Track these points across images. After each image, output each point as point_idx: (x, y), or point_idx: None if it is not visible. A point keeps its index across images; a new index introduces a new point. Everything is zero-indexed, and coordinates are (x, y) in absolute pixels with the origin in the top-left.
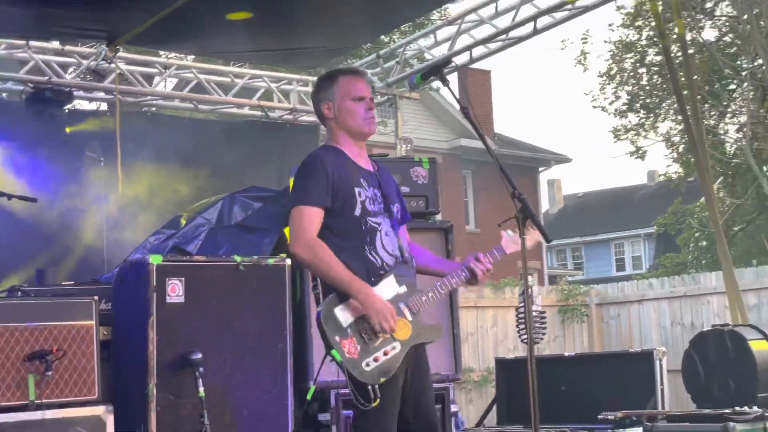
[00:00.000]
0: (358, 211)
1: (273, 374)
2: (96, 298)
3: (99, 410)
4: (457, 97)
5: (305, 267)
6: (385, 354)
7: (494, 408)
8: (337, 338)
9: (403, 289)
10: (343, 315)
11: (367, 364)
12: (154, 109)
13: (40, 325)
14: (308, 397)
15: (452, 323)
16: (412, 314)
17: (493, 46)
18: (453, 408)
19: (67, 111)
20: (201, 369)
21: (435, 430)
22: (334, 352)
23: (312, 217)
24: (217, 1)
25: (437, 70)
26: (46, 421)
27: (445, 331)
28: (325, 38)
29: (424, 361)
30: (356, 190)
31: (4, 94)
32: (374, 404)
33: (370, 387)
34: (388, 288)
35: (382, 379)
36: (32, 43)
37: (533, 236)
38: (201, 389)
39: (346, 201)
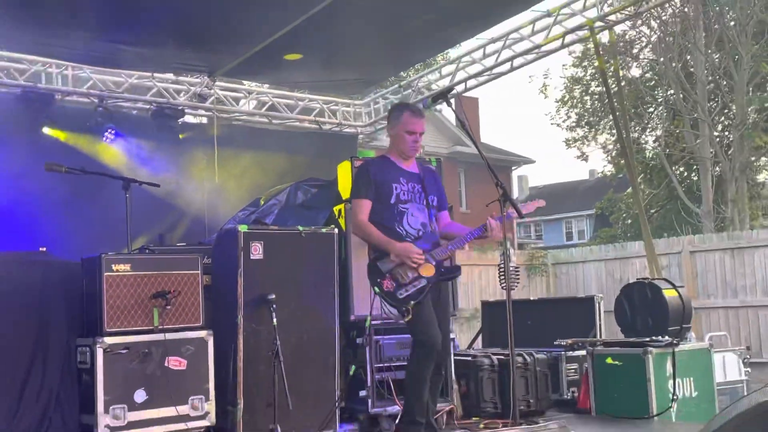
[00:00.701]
0: (393, 200)
1: (324, 310)
2: (201, 254)
3: (202, 333)
4: (457, 114)
5: (359, 238)
6: (414, 287)
7: (479, 337)
8: (378, 280)
9: (427, 246)
10: (382, 266)
11: (400, 294)
12: (240, 122)
13: (162, 273)
14: (367, 324)
15: None
16: (434, 260)
17: (481, 78)
18: (451, 335)
19: (180, 123)
20: (274, 306)
21: (446, 352)
22: (376, 288)
23: (360, 206)
24: (278, 46)
25: (443, 95)
26: (166, 341)
27: None
28: (361, 73)
29: (445, 298)
30: (393, 185)
31: (134, 111)
32: (407, 318)
33: (404, 308)
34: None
35: (412, 303)
36: (156, 74)
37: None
38: (274, 320)
39: (384, 193)
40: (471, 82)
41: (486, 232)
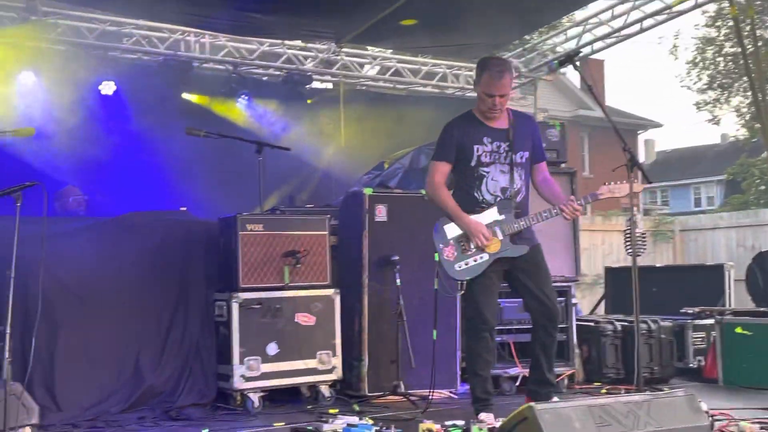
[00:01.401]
0: (473, 163)
1: None
2: (328, 216)
3: (330, 292)
4: (583, 77)
5: (430, 199)
6: (474, 261)
7: (602, 303)
8: (440, 245)
9: (502, 217)
10: (449, 231)
11: (459, 266)
12: (365, 87)
13: (292, 233)
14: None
15: (574, 240)
16: (503, 235)
17: (609, 41)
18: (573, 300)
19: (308, 88)
20: (398, 266)
21: (551, 313)
22: (436, 254)
23: (437, 168)
24: (401, 12)
25: (570, 59)
26: (296, 297)
27: (569, 245)
28: (485, 37)
29: (543, 266)
30: (475, 147)
31: (265, 78)
32: (461, 293)
33: (458, 282)
34: (490, 215)
35: (468, 278)
36: (286, 42)
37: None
38: (398, 280)
39: (465, 155)
40: (598, 45)
41: (563, 211)
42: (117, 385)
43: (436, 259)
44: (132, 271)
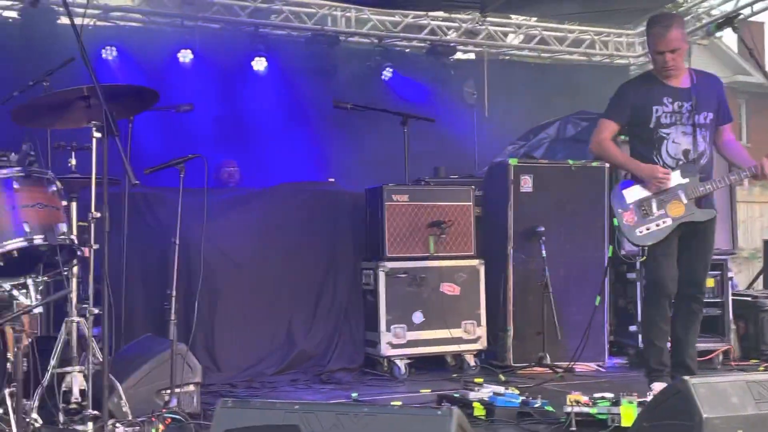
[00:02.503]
0: (652, 124)
1: (594, 242)
2: (473, 187)
3: (474, 262)
4: (743, 41)
5: (596, 157)
6: (657, 225)
7: (760, 277)
8: (619, 210)
9: (686, 180)
10: (628, 195)
11: (641, 231)
12: (509, 57)
13: (437, 204)
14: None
15: (731, 212)
16: (687, 198)
17: None
18: (729, 274)
19: (452, 60)
20: (543, 238)
21: (701, 285)
22: (614, 219)
23: (606, 126)
24: None
25: (729, 21)
26: (440, 267)
27: (725, 217)
28: (634, 2)
29: (712, 237)
30: (654, 108)
31: (408, 50)
32: (642, 259)
33: (639, 247)
34: (673, 179)
35: (650, 243)
36: (429, 13)
37: None
38: (543, 252)
39: (643, 117)
40: (758, 6)
41: (756, 173)
42: (271, 349)
43: (615, 224)
44: (284, 239)
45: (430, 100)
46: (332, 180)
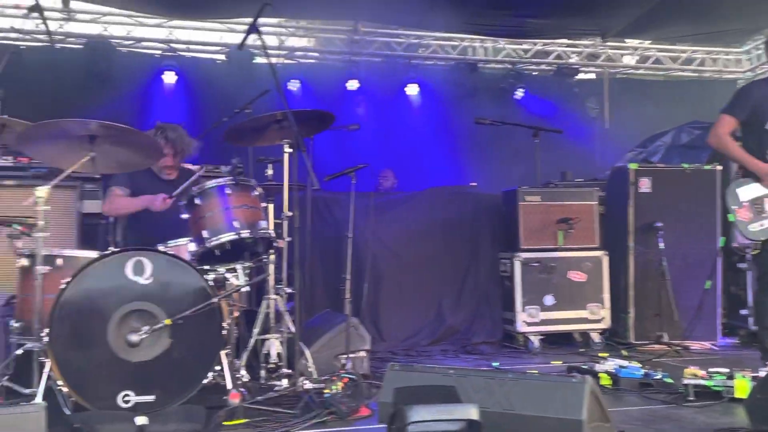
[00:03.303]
0: (767, 125)
1: (706, 235)
2: (597, 188)
3: (599, 253)
4: None
5: (714, 149)
6: None
7: None
8: (733, 207)
9: None
10: (741, 193)
11: (755, 227)
12: (626, 75)
13: (565, 203)
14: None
15: None
16: None
17: None
18: None
19: (575, 80)
20: (661, 232)
21: None
22: (730, 215)
23: (726, 121)
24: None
25: None
26: (568, 257)
27: None
28: (743, 23)
29: None
30: None
31: (534, 72)
32: (754, 252)
33: (753, 241)
34: None
35: (763, 238)
36: (555, 40)
37: None
38: (661, 244)
39: (760, 116)
40: None
41: None
42: (424, 323)
43: (731, 219)
44: (435, 233)
45: (557, 115)
46: (474, 184)
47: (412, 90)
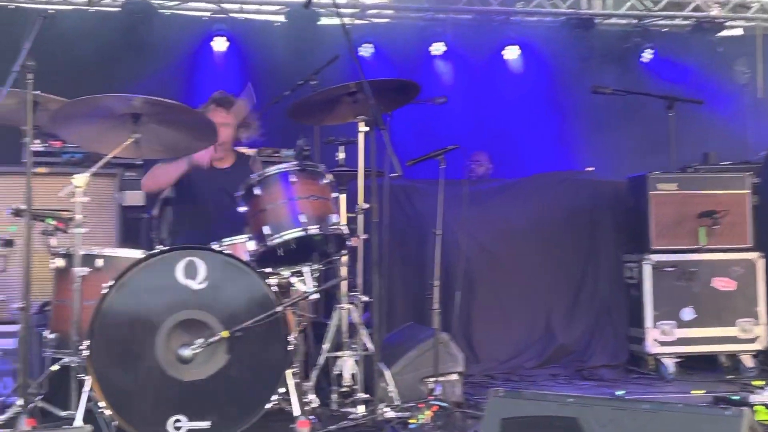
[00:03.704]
0: None
1: None
2: (749, 173)
3: (752, 255)
4: None
5: None
6: None
7: None
8: None
9: None
10: None
11: None
12: None
13: (708, 192)
14: None
15: None
16: None
17: None
18: None
19: (719, 37)
20: None
21: None
22: None
23: None
24: None
25: None
26: (712, 260)
27: None
28: None
29: None
30: None
31: (664, 29)
32: None
33: None
34: None
35: None
36: None
37: None
38: None
39: None
40: None
41: None
42: (530, 341)
43: None
44: (541, 230)
45: (695, 82)
46: (591, 169)
47: (512, 53)
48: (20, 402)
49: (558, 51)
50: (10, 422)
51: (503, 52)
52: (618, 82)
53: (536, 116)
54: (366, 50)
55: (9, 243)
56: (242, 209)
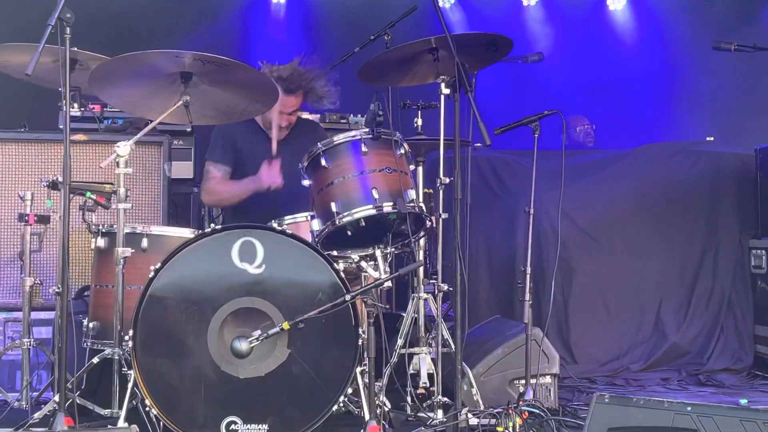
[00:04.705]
0: None
1: None
2: None
3: None
4: None
5: None
6: None
7: None
8: None
9: None
10: None
11: None
12: None
13: None
14: None
15: None
16: None
17: None
18: None
19: None
20: None
21: None
22: None
23: None
24: None
25: None
26: None
27: None
28: None
29: None
30: None
31: None
32: None
33: None
34: None
35: None
36: None
37: None
38: None
39: None
40: None
41: None
42: (636, 340)
43: None
44: (651, 211)
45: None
46: (711, 138)
47: (618, 4)
48: (56, 398)
49: (671, 2)
50: (45, 420)
51: (608, 2)
52: (743, 37)
53: (646, 77)
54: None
55: (44, 219)
56: (306, 183)
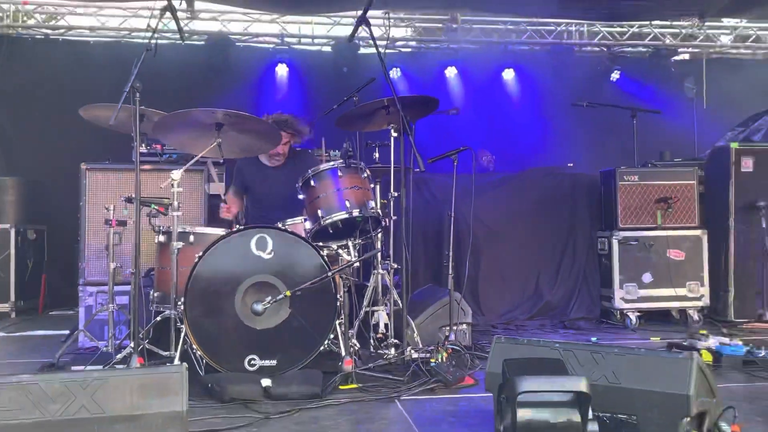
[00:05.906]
0: None
1: None
2: (696, 167)
3: (698, 232)
4: None
5: None
6: None
7: None
8: None
9: None
10: None
11: None
12: (721, 55)
13: (663, 183)
14: None
15: None
16: None
17: None
18: None
19: (672, 61)
20: (764, 211)
21: None
22: None
23: None
24: None
25: None
26: (667, 236)
27: None
28: None
29: None
30: None
31: (632, 55)
32: None
33: None
34: None
35: None
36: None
37: None
38: (764, 223)
39: None
40: None
41: None
42: (522, 299)
43: None
44: (532, 212)
45: (653, 97)
46: (571, 164)
47: (509, 75)
48: (132, 345)
49: (545, 72)
50: (125, 360)
51: (503, 74)
52: (592, 96)
53: (529, 123)
54: (394, 73)
55: (123, 223)
56: (301, 196)
